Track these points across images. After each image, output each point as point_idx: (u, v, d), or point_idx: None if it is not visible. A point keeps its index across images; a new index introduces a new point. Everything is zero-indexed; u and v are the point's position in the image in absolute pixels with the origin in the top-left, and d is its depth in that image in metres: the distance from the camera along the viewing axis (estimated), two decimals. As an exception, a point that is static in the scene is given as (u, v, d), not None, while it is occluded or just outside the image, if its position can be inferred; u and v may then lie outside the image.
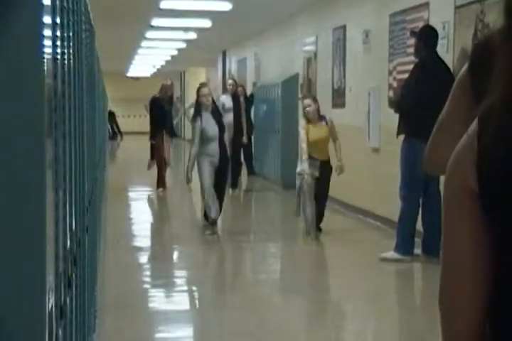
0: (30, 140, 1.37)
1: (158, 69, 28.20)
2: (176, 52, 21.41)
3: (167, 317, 5.85)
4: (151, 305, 6.33)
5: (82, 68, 3.79)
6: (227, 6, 12.59)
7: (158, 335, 5.56)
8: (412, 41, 7.97)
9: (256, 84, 17.31)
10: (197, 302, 6.60)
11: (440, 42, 7.49)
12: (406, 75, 7.76)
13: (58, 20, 2.13)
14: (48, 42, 1.72)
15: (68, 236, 2.42)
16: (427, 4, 8.40)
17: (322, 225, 8.81)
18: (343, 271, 7.54)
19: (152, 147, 13.41)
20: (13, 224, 1.32)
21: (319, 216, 8.67)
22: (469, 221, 1.32)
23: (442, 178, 1.44)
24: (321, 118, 8.72)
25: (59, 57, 2.13)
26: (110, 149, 22.77)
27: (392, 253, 7.50)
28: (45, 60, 1.54)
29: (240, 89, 14.30)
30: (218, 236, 8.90)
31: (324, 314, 6.13)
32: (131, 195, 14.32)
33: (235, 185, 13.26)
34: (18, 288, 1.31)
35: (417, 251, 7.48)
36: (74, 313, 2.63)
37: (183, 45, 19.12)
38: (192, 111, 9.32)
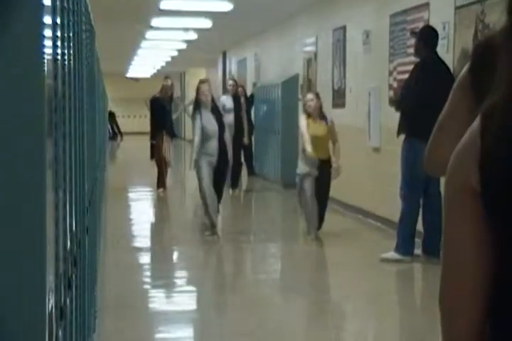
0: (30, 140, 1.37)
1: (158, 70, 28.19)
2: (176, 53, 21.41)
3: (167, 318, 5.85)
4: (151, 305, 6.33)
5: (83, 69, 3.79)
6: (227, 7, 12.59)
7: (158, 335, 5.56)
8: (412, 41, 7.98)
9: (256, 84, 17.31)
10: (197, 302, 6.60)
11: (440, 42, 7.49)
12: (406, 76, 7.76)
13: (58, 21, 2.13)
14: (48, 43, 1.72)
15: (68, 237, 2.41)
16: (427, 4, 8.40)
17: (322, 225, 8.80)
18: (343, 271, 7.54)
19: (152, 147, 13.41)
20: (13, 225, 1.32)
21: (320, 216, 8.62)
22: (470, 220, 1.32)
23: (443, 179, 1.44)
24: (323, 117, 8.58)
25: (59, 57, 2.13)
26: (110, 149, 22.78)
27: (392, 254, 7.50)
28: (46, 61, 1.54)
29: (240, 89, 14.30)
30: (218, 236, 8.90)
31: (324, 314, 6.13)
32: (131, 195, 14.33)
33: (235, 185, 13.26)
34: (18, 289, 1.31)
35: (418, 251, 7.48)
36: (74, 314, 2.63)
37: (183, 46, 19.11)
38: (191, 108, 9.29)
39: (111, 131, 29.85)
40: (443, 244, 1.37)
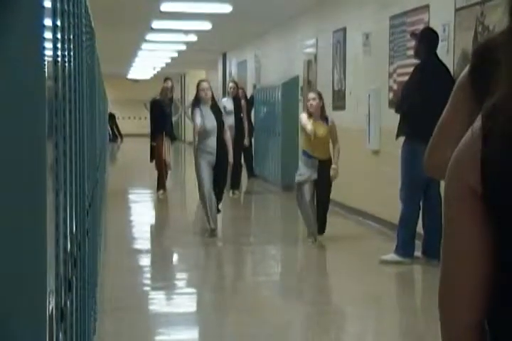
0: (30, 143, 1.37)
1: (158, 72, 28.20)
2: (176, 55, 21.42)
3: (167, 320, 5.84)
4: (151, 307, 6.33)
5: (83, 71, 3.79)
6: (227, 9, 12.59)
7: (158, 338, 5.56)
8: (412, 43, 7.98)
9: (256, 86, 17.31)
10: (197, 304, 6.60)
11: (440, 44, 7.49)
12: (406, 78, 7.76)
13: (59, 23, 2.13)
14: (48, 45, 1.73)
15: (69, 239, 2.41)
16: (427, 6, 8.40)
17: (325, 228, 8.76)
18: (343, 273, 7.54)
19: (152, 149, 13.41)
20: (13, 227, 1.32)
21: (323, 219, 8.52)
22: (471, 221, 1.32)
23: (443, 181, 1.44)
24: (324, 118, 8.47)
25: (60, 59, 2.13)
26: (110, 151, 22.78)
27: (392, 256, 7.50)
28: (46, 63, 1.54)
29: (240, 91, 14.30)
30: (218, 238, 8.89)
31: (324, 316, 6.12)
32: (132, 197, 14.33)
33: (235, 187, 13.26)
34: (18, 291, 1.31)
35: (418, 253, 7.48)
36: (74, 316, 2.63)
37: (184, 48, 19.12)
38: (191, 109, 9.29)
39: (111, 133, 29.84)
40: (443, 245, 1.38)
